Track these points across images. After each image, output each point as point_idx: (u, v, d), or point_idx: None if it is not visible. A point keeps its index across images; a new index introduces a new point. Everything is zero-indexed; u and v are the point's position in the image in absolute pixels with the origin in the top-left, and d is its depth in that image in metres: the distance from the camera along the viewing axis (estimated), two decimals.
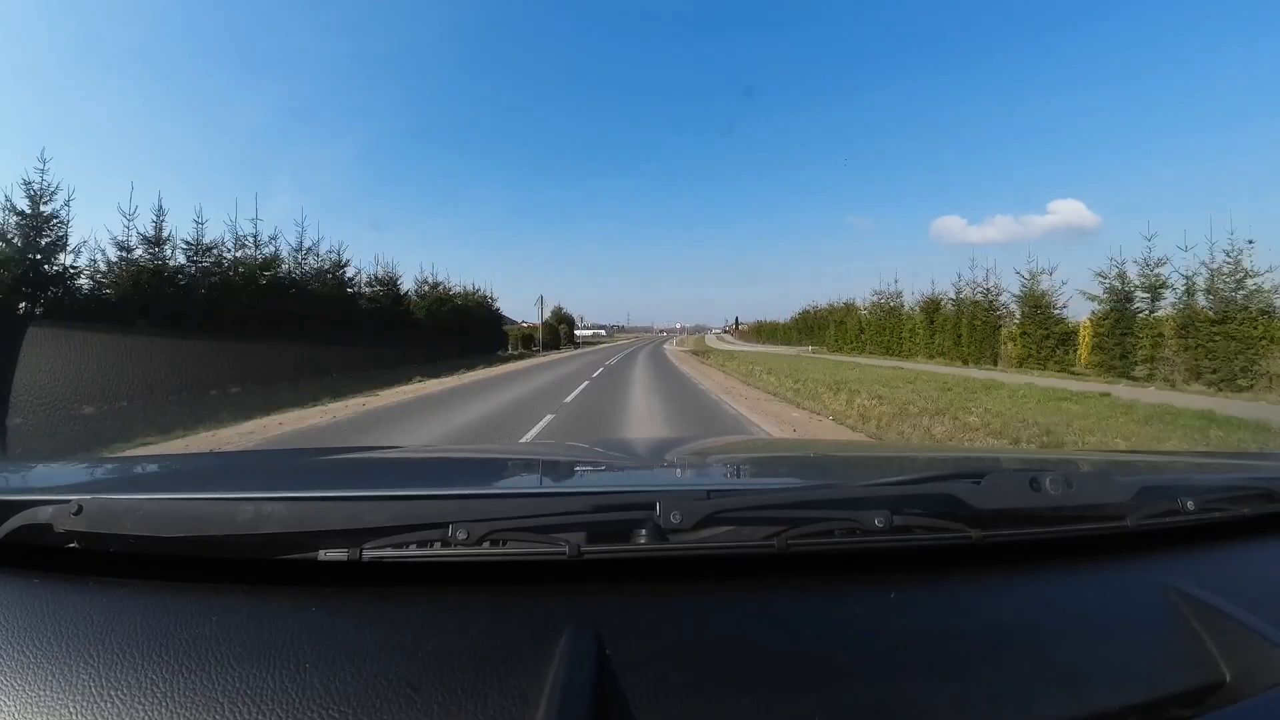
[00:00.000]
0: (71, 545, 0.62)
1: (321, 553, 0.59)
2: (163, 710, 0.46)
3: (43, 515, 0.63)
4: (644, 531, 0.61)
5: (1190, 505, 0.74)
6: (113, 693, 0.47)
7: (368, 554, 0.59)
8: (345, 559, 0.59)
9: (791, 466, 1.39)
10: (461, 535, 0.59)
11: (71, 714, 0.46)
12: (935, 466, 1.30)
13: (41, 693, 0.47)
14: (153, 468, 1.38)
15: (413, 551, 0.60)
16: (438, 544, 0.60)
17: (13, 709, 0.46)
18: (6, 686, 0.48)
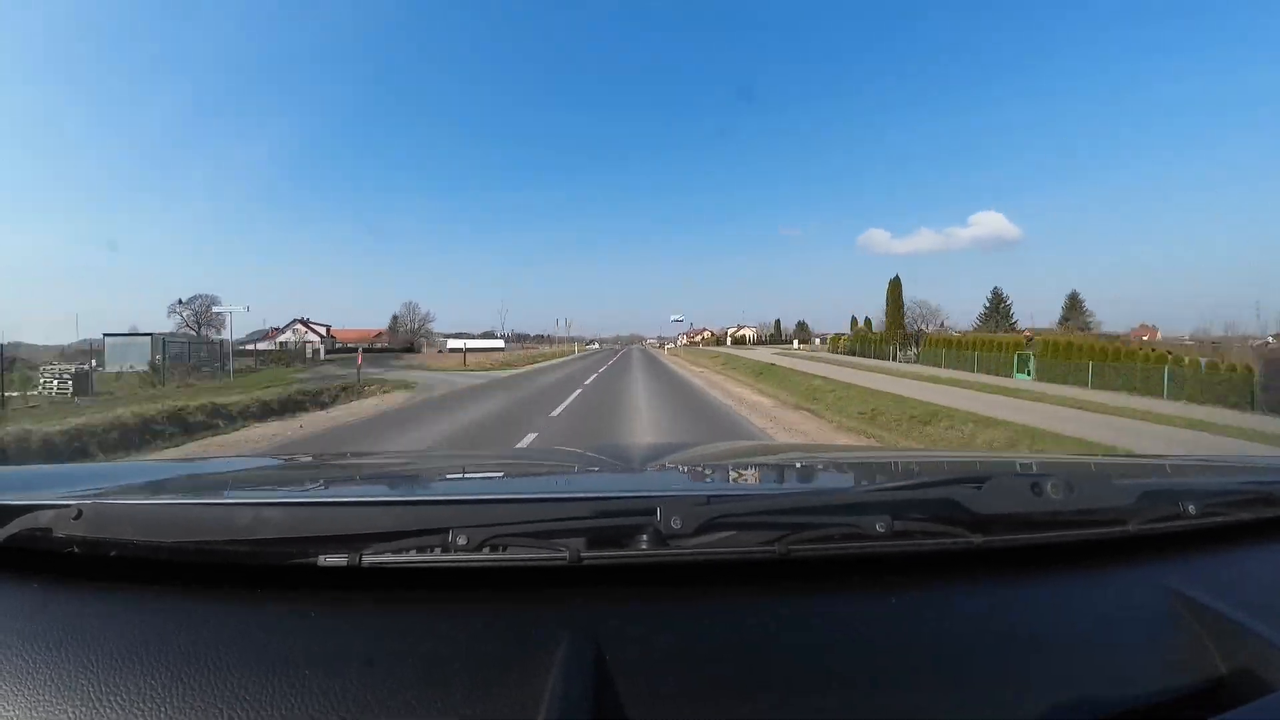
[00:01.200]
0: (72, 550, 0.62)
1: (321, 558, 0.59)
2: (161, 715, 0.46)
3: (43, 519, 0.63)
4: (644, 537, 0.61)
5: (1191, 509, 0.73)
6: (112, 698, 0.47)
7: (368, 559, 0.59)
8: (345, 564, 0.59)
9: (792, 471, 1.39)
10: (462, 540, 0.59)
11: (70, 718, 0.46)
12: (936, 471, 1.30)
13: (41, 697, 0.47)
14: (154, 472, 1.38)
15: (413, 557, 0.60)
16: (438, 549, 0.60)
17: (12, 713, 0.46)
18: (6, 691, 0.48)
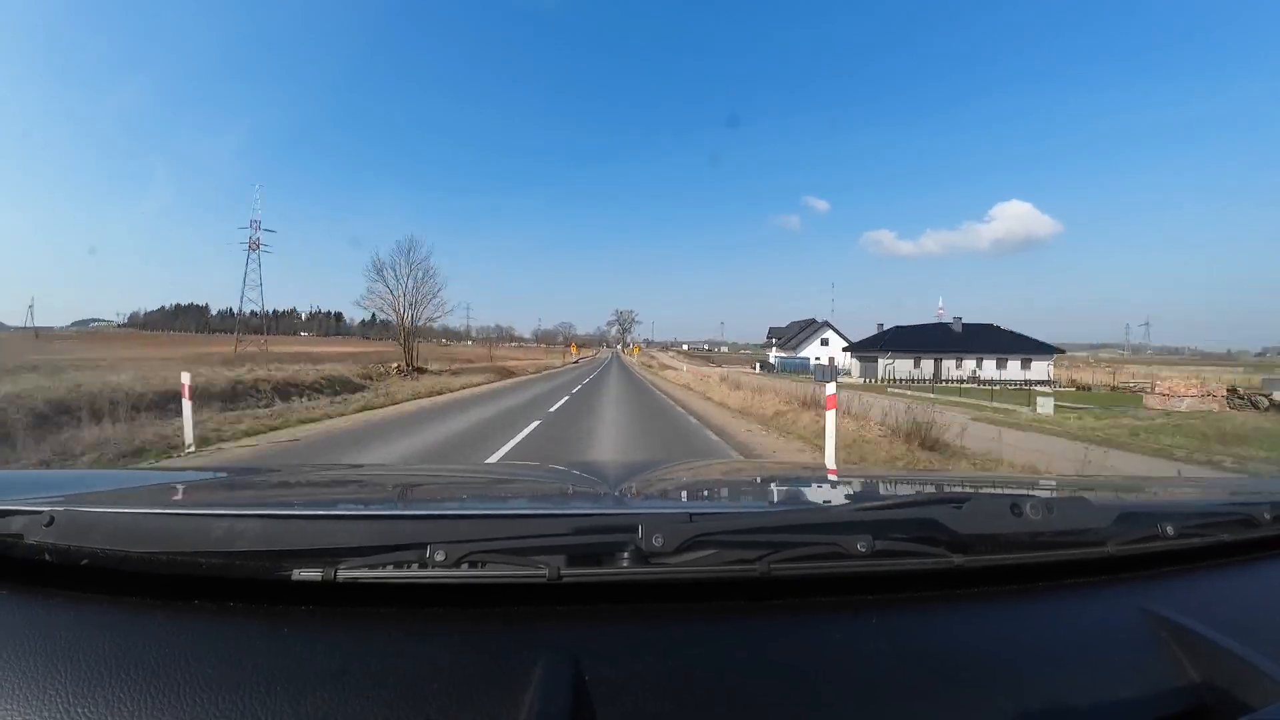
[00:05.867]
0: (44, 556, 0.61)
1: (296, 572, 0.58)
2: None
3: (15, 525, 0.62)
4: (625, 555, 0.60)
5: (1170, 531, 0.74)
6: (80, 708, 0.46)
7: (342, 574, 0.57)
8: (320, 579, 0.57)
9: (774, 490, 1.39)
10: (439, 556, 0.58)
11: None
12: (917, 491, 1.31)
13: (8, 705, 0.46)
14: (130, 480, 1.35)
15: (389, 573, 0.59)
16: (415, 565, 0.59)
17: None
18: None
